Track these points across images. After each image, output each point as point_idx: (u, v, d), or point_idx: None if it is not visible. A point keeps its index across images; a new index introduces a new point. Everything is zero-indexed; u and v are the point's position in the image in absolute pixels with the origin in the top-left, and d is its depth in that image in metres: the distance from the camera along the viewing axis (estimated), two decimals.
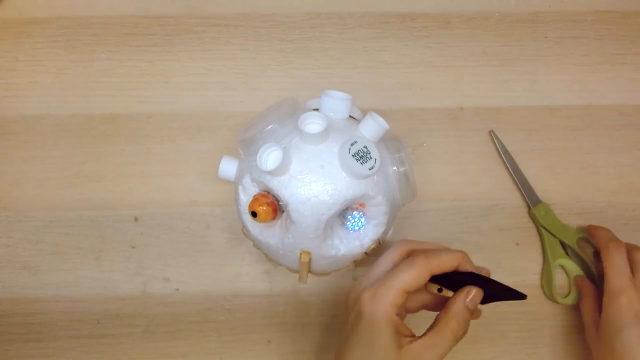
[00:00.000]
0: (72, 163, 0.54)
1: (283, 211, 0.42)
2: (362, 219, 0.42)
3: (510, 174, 0.54)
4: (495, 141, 0.55)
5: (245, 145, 0.44)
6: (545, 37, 0.60)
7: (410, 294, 0.38)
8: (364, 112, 0.46)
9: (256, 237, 0.44)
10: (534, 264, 0.52)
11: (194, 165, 0.54)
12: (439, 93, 0.58)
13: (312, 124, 0.41)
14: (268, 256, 0.47)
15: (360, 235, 0.44)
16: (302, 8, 0.60)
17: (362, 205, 0.43)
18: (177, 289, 0.50)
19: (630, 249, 0.46)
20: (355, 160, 0.39)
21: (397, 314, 0.37)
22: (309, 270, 0.44)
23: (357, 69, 0.58)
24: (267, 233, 0.44)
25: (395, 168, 0.43)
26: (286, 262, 0.45)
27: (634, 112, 0.58)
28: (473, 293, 0.38)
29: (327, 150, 0.41)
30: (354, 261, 0.45)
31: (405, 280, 0.37)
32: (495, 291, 0.39)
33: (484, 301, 0.39)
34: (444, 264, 0.38)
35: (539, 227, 0.52)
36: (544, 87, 0.58)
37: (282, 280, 0.51)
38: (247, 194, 0.44)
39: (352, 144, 0.40)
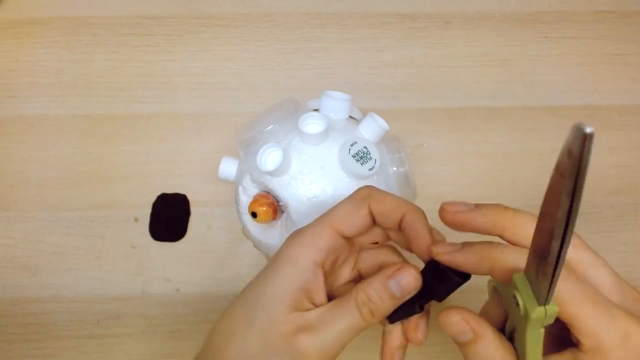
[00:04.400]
0: (72, 163, 0.54)
1: (283, 212, 0.42)
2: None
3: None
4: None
5: (245, 145, 0.44)
6: (545, 37, 0.60)
7: (356, 248, 0.32)
8: (364, 113, 0.46)
9: (256, 238, 0.44)
10: None
11: (194, 165, 0.54)
12: (439, 93, 0.58)
13: (312, 124, 0.41)
14: (268, 257, 0.47)
15: None
16: (302, 8, 0.60)
17: None
18: (177, 289, 0.50)
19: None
20: (355, 161, 0.39)
21: (323, 267, 0.29)
22: None
23: (357, 69, 0.58)
24: (267, 233, 0.44)
25: (395, 168, 0.43)
26: None
27: (634, 112, 0.58)
28: (403, 275, 0.28)
29: (327, 151, 0.41)
30: None
31: (339, 214, 0.30)
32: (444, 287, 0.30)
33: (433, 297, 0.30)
34: (386, 204, 0.30)
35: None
36: (544, 87, 0.58)
37: None
38: (247, 194, 0.44)
39: (352, 145, 0.40)
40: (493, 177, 0.55)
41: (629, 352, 0.24)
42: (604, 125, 0.57)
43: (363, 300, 0.28)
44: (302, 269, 0.29)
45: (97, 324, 0.49)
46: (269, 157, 0.40)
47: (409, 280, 0.28)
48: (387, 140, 0.44)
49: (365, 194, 0.31)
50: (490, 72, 0.59)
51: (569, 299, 0.25)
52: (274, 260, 0.30)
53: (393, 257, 0.33)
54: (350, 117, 0.45)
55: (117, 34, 0.59)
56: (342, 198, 0.40)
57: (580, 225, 0.55)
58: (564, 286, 0.24)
